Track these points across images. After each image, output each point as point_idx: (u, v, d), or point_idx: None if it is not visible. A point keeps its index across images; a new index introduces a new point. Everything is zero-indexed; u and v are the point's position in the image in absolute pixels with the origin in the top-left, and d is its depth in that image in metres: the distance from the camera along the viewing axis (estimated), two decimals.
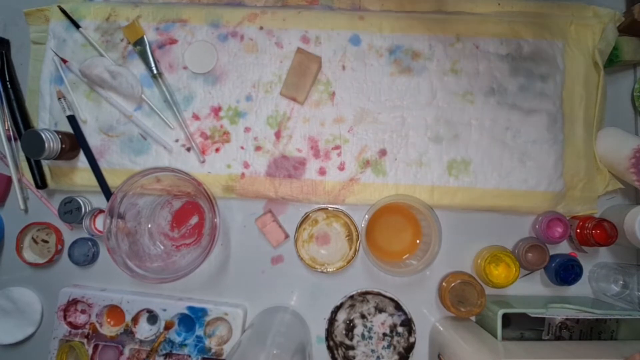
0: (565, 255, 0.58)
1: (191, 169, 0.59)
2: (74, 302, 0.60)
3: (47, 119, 0.61)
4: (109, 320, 0.61)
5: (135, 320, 0.59)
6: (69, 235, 0.63)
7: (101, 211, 0.60)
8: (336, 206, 0.60)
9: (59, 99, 0.59)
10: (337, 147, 0.59)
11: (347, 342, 0.59)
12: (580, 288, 0.60)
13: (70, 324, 0.60)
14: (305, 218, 0.59)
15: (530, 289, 0.60)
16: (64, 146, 0.57)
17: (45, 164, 0.62)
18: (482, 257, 0.58)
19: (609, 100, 0.61)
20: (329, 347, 0.58)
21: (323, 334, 0.58)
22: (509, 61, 0.59)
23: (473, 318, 0.60)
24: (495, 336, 0.52)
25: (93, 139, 0.60)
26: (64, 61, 0.60)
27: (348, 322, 0.59)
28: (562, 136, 0.59)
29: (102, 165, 0.60)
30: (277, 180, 0.59)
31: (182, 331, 0.59)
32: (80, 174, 0.61)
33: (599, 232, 0.56)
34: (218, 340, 0.59)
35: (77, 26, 0.61)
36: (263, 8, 0.61)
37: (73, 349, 0.59)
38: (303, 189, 0.59)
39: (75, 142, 0.59)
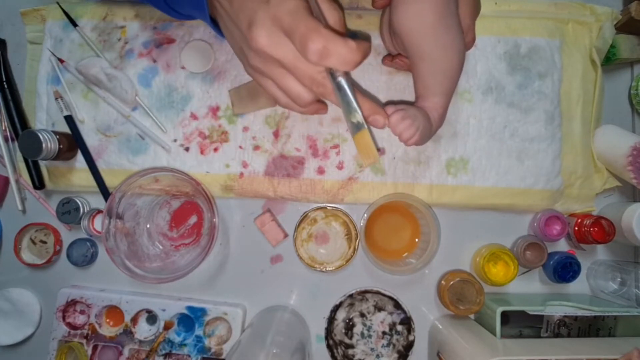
0: (563, 253, 0.59)
1: (190, 168, 0.59)
2: (72, 303, 0.60)
3: (44, 120, 0.61)
4: (108, 320, 0.60)
5: (134, 320, 0.59)
6: (68, 236, 0.62)
7: (99, 211, 0.60)
8: (335, 205, 0.60)
9: (56, 99, 0.59)
10: (335, 146, 0.59)
11: (347, 340, 0.59)
12: (579, 285, 0.60)
13: (69, 324, 0.60)
14: (304, 217, 0.59)
15: (529, 287, 0.61)
16: (61, 146, 0.57)
17: (42, 164, 0.61)
18: (481, 255, 0.58)
19: (607, 98, 0.61)
20: (329, 346, 0.58)
21: (322, 333, 0.58)
22: (506, 59, 0.59)
23: (472, 316, 0.60)
24: (494, 334, 0.52)
25: (91, 139, 0.60)
26: (61, 61, 0.60)
27: (347, 320, 0.59)
28: (560, 134, 0.59)
29: (100, 165, 0.60)
30: (276, 180, 0.59)
31: (181, 331, 0.59)
32: (78, 174, 0.60)
33: (597, 229, 0.56)
34: (217, 340, 0.59)
35: (75, 24, 0.60)
36: None
37: (72, 350, 0.59)
38: (302, 188, 0.59)
39: (72, 142, 0.59)
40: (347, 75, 0.41)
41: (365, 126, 0.42)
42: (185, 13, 0.49)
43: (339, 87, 0.40)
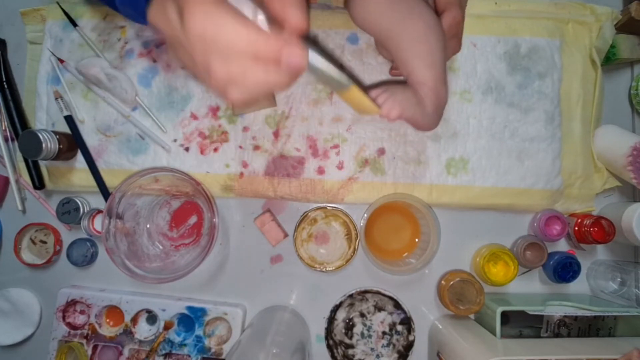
0: (563, 253, 0.59)
1: (189, 168, 0.59)
2: (72, 303, 0.60)
3: (44, 120, 0.61)
4: (108, 320, 0.60)
5: (134, 320, 0.59)
6: (68, 236, 0.62)
7: (99, 211, 0.60)
8: (335, 205, 0.60)
9: (56, 99, 0.59)
10: (335, 146, 0.59)
11: (347, 340, 0.59)
12: (579, 285, 0.60)
13: (69, 324, 0.60)
14: (304, 217, 0.59)
15: (529, 287, 0.61)
16: (61, 147, 0.57)
17: (42, 164, 0.61)
18: (481, 255, 0.58)
19: (607, 98, 0.61)
20: (329, 346, 0.58)
21: (322, 333, 0.58)
22: (506, 59, 0.59)
23: (472, 316, 0.60)
24: (494, 334, 0.52)
25: (91, 139, 0.60)
26: (61, 61, 0.60)
27: (347, 320, 0.59)
28: (560, 134, 0.59)
29: (100, 165, 0.60)
30: (276, 180, 0.59)
31: (181, 331, 0.59)
32: (78, 174, 0.60)
33: (597, 229, 0.56)
34: (217, 340, 0.59)
35: (75, 24, 0.60)
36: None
37: (72, 350, 0.59)
38: (302, 188, 0.59)
39: (72, 142, 0.59)
40: (312, 45, 0.35)
41: (352, 83, 0.37)
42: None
43: (310, 68, 0.35)
